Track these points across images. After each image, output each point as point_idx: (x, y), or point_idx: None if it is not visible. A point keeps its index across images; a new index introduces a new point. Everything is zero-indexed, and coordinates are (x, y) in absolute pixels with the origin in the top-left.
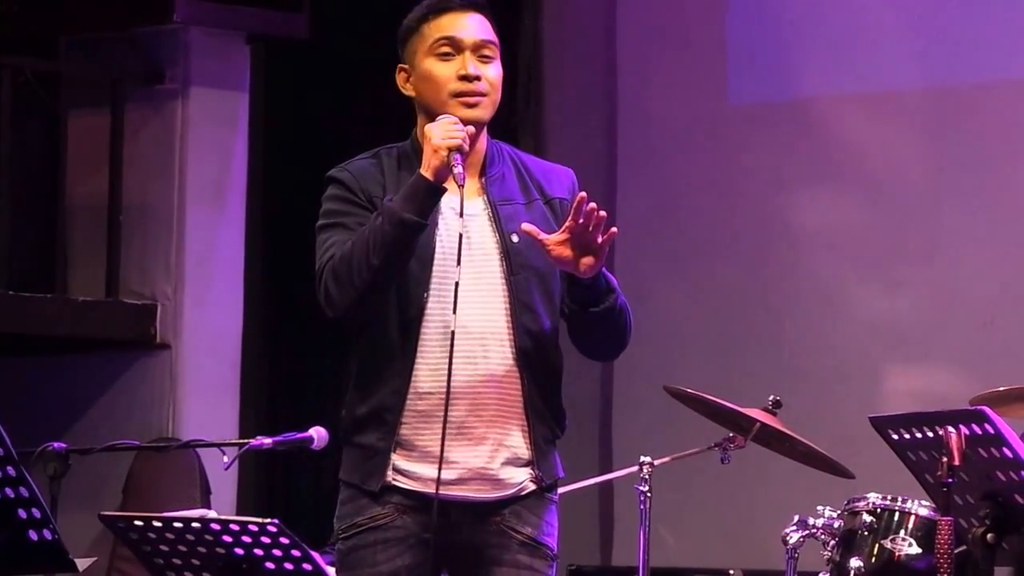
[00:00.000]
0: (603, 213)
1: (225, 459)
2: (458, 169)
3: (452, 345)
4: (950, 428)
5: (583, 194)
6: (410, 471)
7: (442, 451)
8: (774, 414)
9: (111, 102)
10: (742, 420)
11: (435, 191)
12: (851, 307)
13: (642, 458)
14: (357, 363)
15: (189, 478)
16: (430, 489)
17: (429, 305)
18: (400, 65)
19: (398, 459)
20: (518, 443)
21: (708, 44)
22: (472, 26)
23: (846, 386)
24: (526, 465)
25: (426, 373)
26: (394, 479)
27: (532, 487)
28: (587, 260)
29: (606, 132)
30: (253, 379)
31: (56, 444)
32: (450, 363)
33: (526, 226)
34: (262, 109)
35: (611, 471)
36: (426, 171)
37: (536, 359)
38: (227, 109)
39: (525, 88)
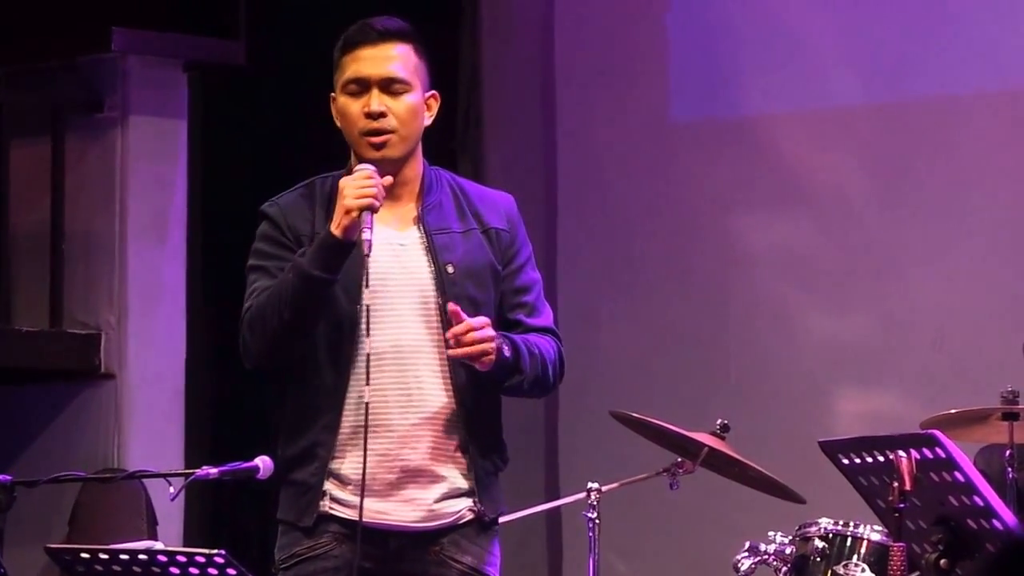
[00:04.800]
0: (473, 335)
1: (171, 490)
2: (367, 236)
3: (368, 371)
4: (901, 452)
5: (454, 309)
6: (346, 500)
7: (363, 483)
8: (722, 438)
9: (51, 131)
10: (690, 445)
11: (343, 249)
12: (799, 329)
13: (590, 484)
14: (290, 401)
15: (135, 509)
16: (365, 518)
17: (357, 338)
18: (331, 95)
19: (333, 489)
20: (456, 475)
21: (649, 64)
22: (380, 60)
23: (795, 409)
24: (466, 496)
25: (357, 406)
26: (331, 508)
27: (471, 516)
28: (482, 360)
29: (546, 155)
30: (198, 409)
31: (0, 476)
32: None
33: (452, 309)
34: (201, 137)
35: (558, 498)
36: (335, 229)
37: (473, 391)
38: (166, 137)
39: (464, 111)
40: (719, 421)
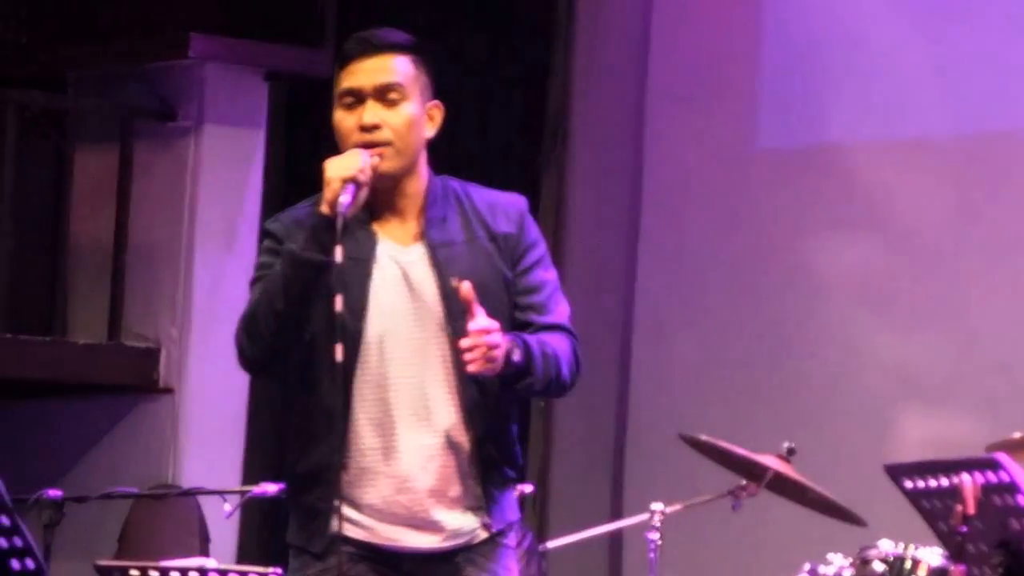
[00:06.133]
0: (484, 341)
1: (227, 507)
2: (344, 198)
3: (344, 376)
4: (965, 476)
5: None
6: (359, 520)
7: (339, 482)
8: (788, 461)
9: (120, 139)
10: (756, 468)
11: (332, 226)
12: (869, 353)
13: (653, 506)
14: (295, 421)
15: (188, 526)
16: (378, 540)
17: (363, 358)
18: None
19: (346, 510)
20: (467, 492)
21: (739, 87)
22: (373, 71)
23: (862, 433)
24: (476, 512)
25: (366, 428)
26: (344, 529)
27: (485, 535)
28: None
29: (632, 174)
30: (261, 426)
31: (51, 492)
32: (345, 396)
33: (465, 288)
34: (280, 148)
35: (621, 518)
36: (323, 205)
37: (483, 406)
38: (242, 148)
39: (552, 127)
40: (786, 444)
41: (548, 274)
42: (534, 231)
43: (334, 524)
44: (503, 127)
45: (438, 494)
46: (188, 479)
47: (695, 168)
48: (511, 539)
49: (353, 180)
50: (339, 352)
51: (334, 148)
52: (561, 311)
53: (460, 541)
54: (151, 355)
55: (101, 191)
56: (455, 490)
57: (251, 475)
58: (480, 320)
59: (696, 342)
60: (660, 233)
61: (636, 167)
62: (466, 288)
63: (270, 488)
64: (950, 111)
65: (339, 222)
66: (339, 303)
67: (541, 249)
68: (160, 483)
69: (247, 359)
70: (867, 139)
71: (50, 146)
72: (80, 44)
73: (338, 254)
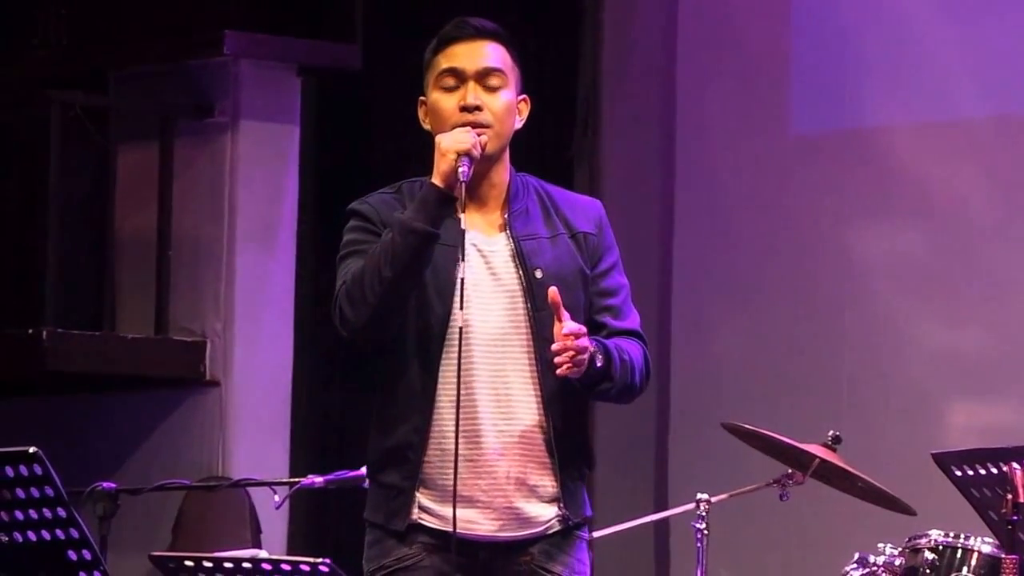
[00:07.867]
0: (574, 345)
1: (276, 498)
2: (463, 169)
3: (460, 342)
4: (1015, 464)
5: (555, 295)
6: (436, 510)
7: (455, 478)
8: (834, 450)
9: (160, 136)
10: (801, 456)
11: (445, 198)
12: (913, 341)
13: (699, 495)
14: (379, 400)
15: (239, 517)
16: (458, 528)
17: (448, 341)
18: (420, 98)
19: (423, 498)
20: (545, 481)
21: (771, 73)
22: (477, 54)
23: (908, 421)
24: (553, 503)
25: (448, 410)
26: (420, 518)
27: (560, 526)
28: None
29: (664, 164)
30: (304, 417)
31: (105, 484)
32: (459, 363)
33: (552, 292)
34: (313, 142)
35: (667, 508)
36: (435, 178)
37: (562, 396)
38: (278, 142)
39: (583, 119)
40: (831, 433)
41: (623, 279)
42: (611, 235)
43: (415, 511)
44: (533, 118)
45: (516, 482)
46: (236, 471)
47: (728, 156)
48: (586, 532)
49: (467, 154)
50: (460, 317)
51: (366, 140)
52: (635, 317)
53: (536, 531)
54: (197, 348)
55: (143, 187)
56: (533, 479)
57: (297, 466)
58: (568, 324)
59: (736, 331)
60: (695, 221)
61: (668, 155)
62: (553, 292)
63: (318, 479)
64: (986, 93)
65: (462, 188)
66: (462, 268)
67: (617, 254)
68: (210, 475)
69: (348, 325)
70: (902, 123)
71: (93, 144)
72: (119, 43)
73: (463, 220)
